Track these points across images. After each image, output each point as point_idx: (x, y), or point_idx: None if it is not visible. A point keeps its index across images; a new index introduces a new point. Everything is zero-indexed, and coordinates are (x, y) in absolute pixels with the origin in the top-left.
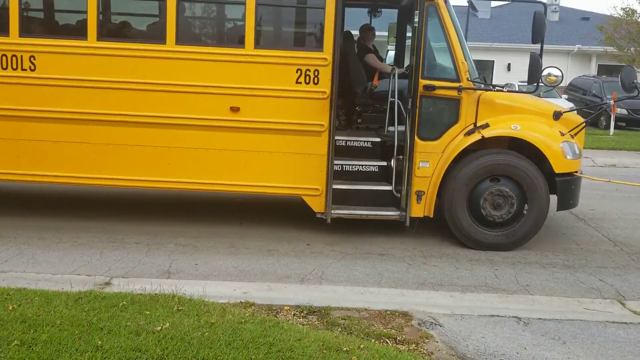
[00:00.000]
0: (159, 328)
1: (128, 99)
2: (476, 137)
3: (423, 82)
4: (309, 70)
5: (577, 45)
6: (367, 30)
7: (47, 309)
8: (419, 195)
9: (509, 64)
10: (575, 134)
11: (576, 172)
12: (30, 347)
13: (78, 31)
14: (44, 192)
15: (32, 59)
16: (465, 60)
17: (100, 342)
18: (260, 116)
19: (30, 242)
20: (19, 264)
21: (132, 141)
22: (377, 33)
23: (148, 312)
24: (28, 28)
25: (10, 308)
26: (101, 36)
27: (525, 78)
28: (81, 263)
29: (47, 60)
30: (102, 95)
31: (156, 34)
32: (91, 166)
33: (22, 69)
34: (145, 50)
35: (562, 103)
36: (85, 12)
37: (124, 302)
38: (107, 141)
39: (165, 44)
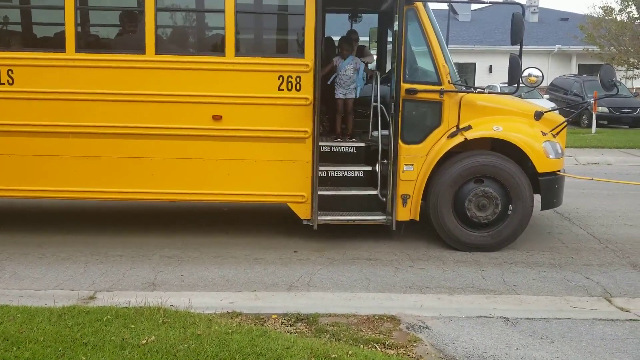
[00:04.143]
0: (144, 341)
1: (108, 110)
2: (459, 139)
3: (405, 86)
4: (291, 77)
5: (557, 46)
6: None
7: (30, 326)
8: (405, 198)
9: (491, 66)
10: (557, 134)
11: (559, 171)
12: None
13: (56, 43)
14: (25, 206)
15: (9, 72)
16: (446, 63)
17: (84, 358)
18: (243, 124)
19: (12, 258)
20: (1, 280)
21: (114, 153)
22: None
23: (133, 326)
24: (5, 41)
25: None
26: (80, 48)
27: (507, 79)
28: (65, 278)
29: (25, 74)
30: (82, 108)
31: (135, 44)
32: (73, 179)
33: (0, 83)
34: (124, 60)
35: (544, 103)
36: (63, 24)
37: (109, 316)
38: (88, 154)
39: (144, 53)
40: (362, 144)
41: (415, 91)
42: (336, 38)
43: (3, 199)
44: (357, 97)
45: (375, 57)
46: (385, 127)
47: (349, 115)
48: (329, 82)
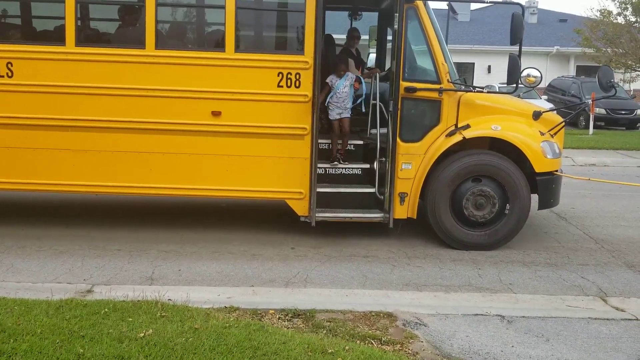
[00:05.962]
0: (142, 335)
1: (108, 104)
2: (457, 138)
3: (404, 84)
4: (290, 74)
5: (556, 47)
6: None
7: (28, 318)
8: (402, 197)
9: (490, 66)
10: (555, 134)
11: (556, 171)
12: (10, 357)
13: (56, 37)
14: (23, 199)
15: (9, 65)
16: (446, 62)
17: (82, 351)
18: (242, 120)
19: (10, 251)
20: None
21: (113, 147)
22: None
23: (131, 319)
24: (5, 34)
25: None
26: (79, 42)
27: (506, 79)
28: (62, 271)
29: (24, 67)
30: (82, 101)
31: (135, 39)
32: (72, 173)
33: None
34: (124, 55)
35: (542, 103)
36: (63, 18)
37: (106, 310)
38: (87, 147)
39: (144, 48)
40: (361, 142)
41: (414, 89)
42: (336, 36)
43: (1, 191)
44: (350, 115)
45: (374, 55)
46: (383, 125)
47: (345, 137)
48: (326, 104)
